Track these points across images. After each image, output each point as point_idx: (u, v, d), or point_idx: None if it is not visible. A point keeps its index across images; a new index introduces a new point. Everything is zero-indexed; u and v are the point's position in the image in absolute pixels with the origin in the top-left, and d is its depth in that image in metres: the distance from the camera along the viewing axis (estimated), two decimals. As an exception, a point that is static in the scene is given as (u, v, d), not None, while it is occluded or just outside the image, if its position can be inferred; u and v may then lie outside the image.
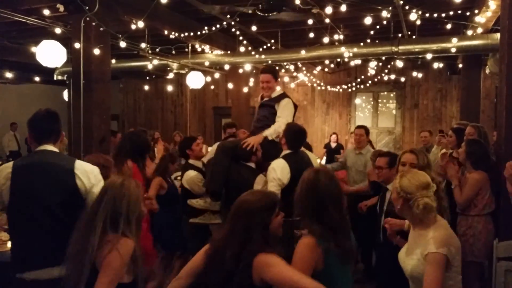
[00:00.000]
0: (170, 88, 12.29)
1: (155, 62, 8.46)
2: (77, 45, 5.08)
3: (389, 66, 9.94)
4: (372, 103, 12.02)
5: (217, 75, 10.20)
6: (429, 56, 7.26)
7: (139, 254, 2.13)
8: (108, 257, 2.02)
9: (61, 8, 5.13)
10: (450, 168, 3.78)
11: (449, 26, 6.41)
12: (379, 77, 10.71)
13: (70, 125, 6.21)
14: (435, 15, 5.74)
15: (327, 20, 6.01)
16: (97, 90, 5.20)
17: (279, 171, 3.33)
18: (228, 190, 3.58)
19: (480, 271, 3.73)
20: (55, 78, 10.40)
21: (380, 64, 9.93)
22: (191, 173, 4.09)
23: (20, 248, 2.43)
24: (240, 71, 9.13)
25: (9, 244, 3.55)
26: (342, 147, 10.35)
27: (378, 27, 6.33)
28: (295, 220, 2.25)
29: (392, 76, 10.62)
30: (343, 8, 5.25)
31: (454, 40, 6.67)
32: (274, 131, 3.69)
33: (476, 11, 5.96)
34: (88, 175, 2.46)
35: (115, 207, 2.13)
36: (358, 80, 11.18)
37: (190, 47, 8.01)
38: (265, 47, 8.29)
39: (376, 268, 4.13)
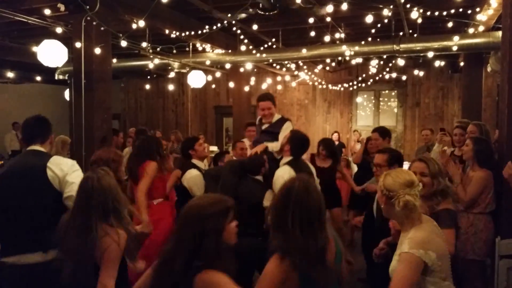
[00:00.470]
0: (171, 87, 12.30)
1: (156, 61, 8.46)
2: (78, 45, 5.08)
3: (390, 65, 9.93)
4: (373, 101, 12.01)
5: (218, 74, 10.19)
6: (430, 54, 7.24)
7: (130, 240, 2.27)
8: (108, 250, 2.14)
9: (62, 7, 5.13)
10: (452, 166, 3.76)
11: (450, 24, 6.40)
12: (380, 76, 10.70)
13: (71, 125, 6.21)
14: (437, 13, 5.72)
15: (328, 19, 6.00)
16: (98, 89, 5.20)
17: (287, 177, 3.37)
18: (238, 206, 3.56)
19: (482, 269, 3.72)
20: (56, 78, 10.41)
21: (382, 62, 9.91)
22: (193, 172, 4.05)
23: (2, 235, 2.65)
24: (241, 70, 9.13)
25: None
26: (343, 146, 10.36)
27: (379, 25, 6.31)
28: None
29: (394, 75, 10.62)
30: (344, 6, 5.24)
31: (456, 38, 6.65)
32: (276, 146, 3.97)
33: (478, 9, 5.94)
34: (61, 166, 2.67)
35: (105, 201, 2.24)
36: (360, 78, 11.17)
37: (191, 46, 8.01)
38: (266, 46, 8.28)
39: (368, 270, 4.05)
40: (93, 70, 5.11)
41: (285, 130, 4.02)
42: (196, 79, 7.98)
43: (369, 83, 11.08)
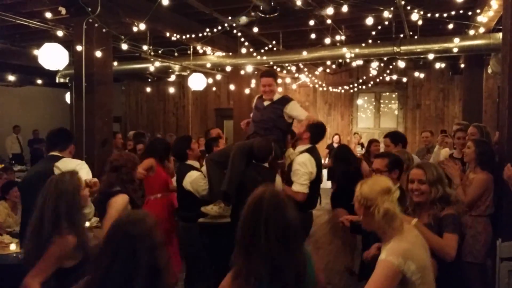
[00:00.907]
0: (172, 90, 12.31)
1: (157, 64, 8.48)
2: (79, 48, 5.09)
3: (391, 67, 9.93)
4: (374, 103, 12.01)
5: (218, 77, 10.21)
6: (431, 56, 7.24)
7: (85, 241, 2.32)
8: (47, 252, 2.20)
9: (63, 11, 5.15)
10: (452, 167, 3.74)
11: (451, 26, 6.41)
12: (381, 78, 10.70)
13: (72, 127, 6.22)
14: (437, 15, 5.72)
15: (329, 21, 6.01)
16: (99, 92, 5.21)
17: (309, 164, 3.63)
18: (241, 192, 3.50)
19: (482, 272, 3.71)
20: (57, 81, 10.44)
21: (382, 64, 9.91)
22: (194, 174, 3.93)
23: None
24: (242, 72, 9.14)
25: (11, 247, 3.57)
26: (344, 148, 10.34)
27: (379, 27, 6.33)
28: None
29: (394, 77, 10.62)
30: (345, 9, 5.25)
31: (456, 40, 6.66)
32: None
33: (478, 11, 5.95)
34: (67, 164, 3.00)
35: (57, 205, 2.27)
36: (360, 80, 11.18)
37: (192, 49, 8.02)
38: (266, 48, 8.29)
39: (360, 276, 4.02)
40: (94, 73, 5.12)
41: (296, 109, 3.99)
42: (197, 82, 7.99)
43: (369, 85, 11.08)
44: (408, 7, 5.58)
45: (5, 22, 6.20)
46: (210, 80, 9.76)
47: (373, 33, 6.65)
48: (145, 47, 7.50)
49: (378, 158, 3.33)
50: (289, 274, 1.76)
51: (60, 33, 6.22)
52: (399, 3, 5.40)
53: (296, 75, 11.24)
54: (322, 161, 3.98)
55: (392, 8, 5.59)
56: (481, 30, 6.55)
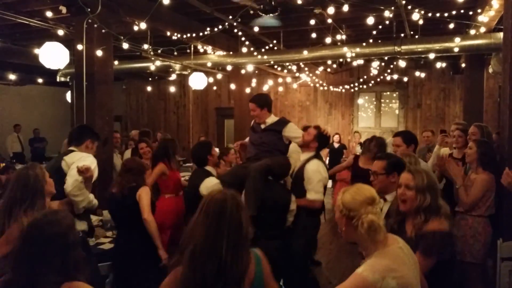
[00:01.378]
0: (172, 89, 12.32)
1: (158, 63, 8.48)
2: (79, 47, 5.10)
3: (391, 66, 9.93)
4: (374, 103, 12.01)
5: (219, 76, 10.20)
6: (431, 55, 7.24)
7: None
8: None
9: (63, 10, 5.15)
10: (454, 167, 3.74)
11: (451, 25, 6.40)
12: (381, 77, 10.70)
13: (73, 126, 6.22)
14: (438, 14, 5.72)
15: (330, 20, 6.01)
16: (100, 91, 5.21)
17: (322, 170, 3.79)
18: (263, 212, 3.55)
19: (483, 272, 3.71)
20: (58, 80, 10.45)
21: (383, 64, 9.91)
22: (213, 180, 3.81)
23: None
24: (243, 71, 9.14)
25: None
26: (345, 147, 10.36)
27: (380, 27, 6.32)
28: None
29: (395, 76, 10.61)
30: (346, 8, 5.25)
31: (457, 39, 6.65)
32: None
33: (479, 11, 5.94)
34: (72, 158, 3.27)
35: (15, 190, 2.59)
36: (361, 80, 11.18)
37: (192, 48, 8.02)
38: (267, 47, 8.29)
39: None
40: (94, 72, 5.12)
41: (293, 131, 4.04)
42: (198, 81, 7.99)
43: (370, 84, 11.08)
44: (409, 7, 5.58)
45: (6, 21, 6.20)
46: (211, 79, 9.76)
47: (374, 32, 6.64)
48: (145, 46, 7.50)
49: (377, 160, 3.17)
50: (234, 274, 1.74)
51: (60, 32, 6.22)
52: (400, 3, 5.39)
53: (297, 74, 11.24)
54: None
55: (393, 8, 5.59)
56: (482, 29, 6.55)
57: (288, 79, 11.89)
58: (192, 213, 3.80)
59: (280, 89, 12.18)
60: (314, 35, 6.91)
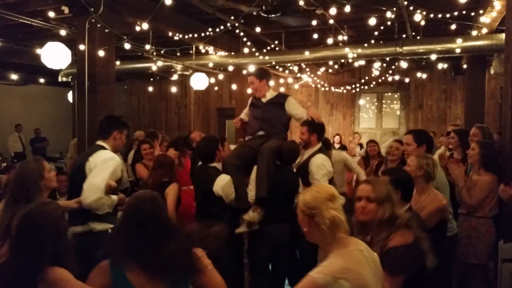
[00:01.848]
0: (174, 89, 12.32)
1: (159, 63, 8.48)
2: (81, 47, 5.10)
3: (393, 67, 9.92)
4: (376, 104, 12.00)
5: (221, 76, 10.21)
6: (433, 56, 7.24)
7: None
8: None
9: (66, 10, 5.15)
10: (456, 169, 3.73)
11: (453, 26, 6.39)
12: (383, 78, 10.69)
13: (74, 126, 6.23)
14: (440, 15, 5.72)
15: (331, 21, 6.00)
16: (102, 91, 5.22)
17: (327, 164, 3.75)
18: (273, 195, 3.56)
19: (485, 273, 3.71)
20: (59, 80, 10.45)
21: (384, 65, 9.90)
22: (225, 178, 3.66)
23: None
24: (244, 72, 9.12)
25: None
26: (345, 148, 10.32)
27: (382, 28, 6.31)
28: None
29: (396, 77, 10.60)
30: (347, 9, 5.25)
31: (459, 40, 6.65)
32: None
33: (481, 12, 5.93)
34: (96, 159, 3.18)
35: (16, 184, 2.79)
36: (362, 81, 11.16)
37: (194, 49, 8.02)
38: (269, 48, 8.29)
39: None
40: (96, 72, 5.13)
41: (295, 107, 4.03)
42: (199, 81, 8.00)
43: (371, 85, 11.07)
44: (411, 8, 5.58)
45: (8, 21, 6.21)
46: (212, 80, 9.76)
47: (376, 33, 6.64)
48: (147, 47, 7.50)
49: (382, 175, 2.93)
50: (158, 266, 1.90)
51: (63, 32, 6.23)
52: (402, 4, 5.39)
53: (298, 75, 11.24)
54: None
55: (394, 9, 5.58)
56: (484, 30, 6.54)
57: (290, 80, 11.89)
58: (209, 216, 3.70)
59: (282, 89, 12.15)
60: (315, 35, 6.91)
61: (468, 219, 3.62)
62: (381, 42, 7.47)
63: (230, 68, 8.74)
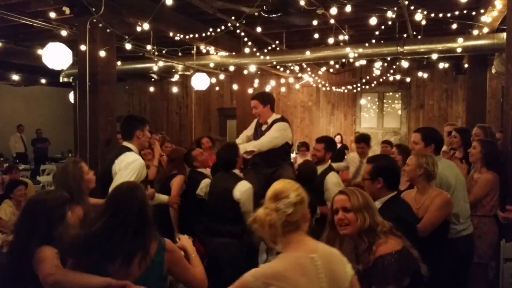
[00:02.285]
0: (175, 89, 12.33)
1: (161, 64, 8.48)
2: (83, 47, 5.11)
3: (394, 67, 9.91)
4: (377, 103, 11.99)
5: (222, 77, 10.21)
6: (434, 56, 7.22)
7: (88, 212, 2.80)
8: None
9: (67, 10, 5.16)
10: (458, 167, 3.73)
11: (454, 26, 6.38)
12: (384, 78, 10.68)
13: (76, 127, 6.24)
14: (441, 15, 5.71)
15: (332, 21, 6.00)
16: (103, 92, 5.22)
17: (341, 183, 3.93)
18: None
19: (486, 272, 3.70)
20: (61, 80, 10.46)
21: (385, 64, 9.89)
22: (247, 185, 3.59)
23: None
24: (245, 72, 9.14)
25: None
26: (347, 148, 10.32)
27: (383, 27, 6.30)
28: None
29: (398, 77, 10.58)
30: (348, 8, 5.24)
31: (460, 40, 6.63)
32: (257, 145, 3.94)
33: (482, 11, 5.92)
34: (120, 163, 3.23)
35: (67, 183, 2.87)
36: (363, 80, 11.16)
37: (195, 49, 8.02)
38: (270, 48, 8.29)
39: None
40: (97, 72, 5.13)
41: (274, 131, 3.93)
42: (200, 82, 8.00)
43: (373, 85, 11.06)
44: (412, 7, 5.57)
45: (9, 22, 6.22)
46: (213, 80, 9.77)
47: (377, 33, 6.63)
48: (148, 47, 7.51)
49: (367, 163, 2.89)
50: (128, 256, 1.97)
51: (64, 33, 6.24)
52: (403, 3, 5.38)
53: (299, 75, 11.23)
54: None
55: (395, 8, 5.57)
56: (485, 30, 6.53)
57: (291, 80, 11.89)
58: (224, 222, 3.66)
59: (283, 89, 12.18)
60: (316, 35, 6.90)
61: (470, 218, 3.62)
62: (382, 41, 7.46)
63: (231, 68, 8.73)
